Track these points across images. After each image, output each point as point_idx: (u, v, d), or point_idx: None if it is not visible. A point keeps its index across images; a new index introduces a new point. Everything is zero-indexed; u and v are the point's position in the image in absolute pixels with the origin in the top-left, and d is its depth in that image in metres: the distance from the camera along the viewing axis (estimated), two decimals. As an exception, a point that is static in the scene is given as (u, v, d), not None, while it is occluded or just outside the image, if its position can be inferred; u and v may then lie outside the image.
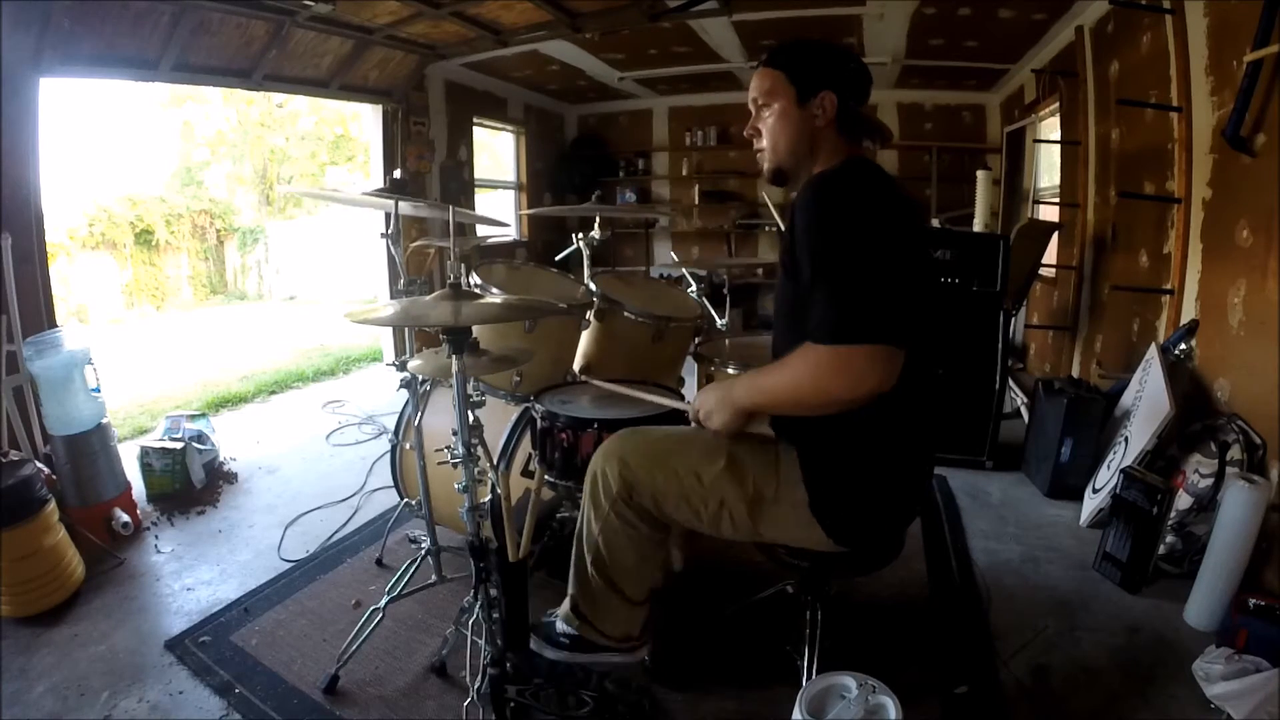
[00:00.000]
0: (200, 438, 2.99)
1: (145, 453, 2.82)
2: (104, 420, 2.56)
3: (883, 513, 1.34)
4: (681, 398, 1.75)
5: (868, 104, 1.33)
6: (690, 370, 2.27)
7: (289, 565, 2.33)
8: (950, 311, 3.09)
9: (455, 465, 1.45)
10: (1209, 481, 2.12)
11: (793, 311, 1.22)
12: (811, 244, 1.15)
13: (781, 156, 1.32)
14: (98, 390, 2.55)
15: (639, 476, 1.32)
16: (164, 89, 9.57)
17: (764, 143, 1.33)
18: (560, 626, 1.45)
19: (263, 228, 10.70)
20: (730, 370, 2.02)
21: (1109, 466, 2.56)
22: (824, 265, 1.13)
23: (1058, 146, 4.30)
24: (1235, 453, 2.09)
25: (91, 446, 2.48)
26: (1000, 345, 3.08)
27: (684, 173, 7.18)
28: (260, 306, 9.87)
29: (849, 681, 1.24)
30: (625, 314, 2.05)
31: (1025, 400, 3.65)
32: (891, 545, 1.44)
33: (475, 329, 1.46)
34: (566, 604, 1.45)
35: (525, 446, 1.86)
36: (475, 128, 5.87)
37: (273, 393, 4.65)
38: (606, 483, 1.35)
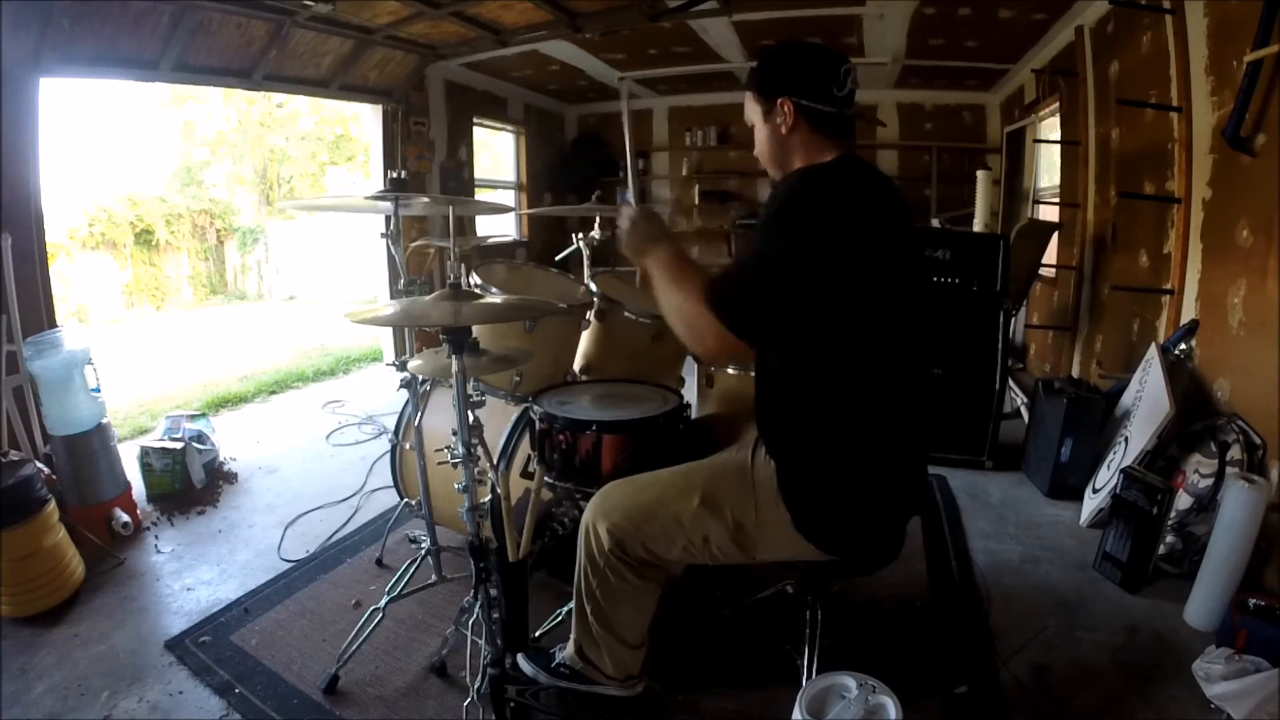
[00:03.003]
0: (200, 438, 2.99)
1: (145, 453, 2.82)
2: (104, 420, 2.56)
3: (871, 520, 1.34)
4: (681, 398, 1.75)
5: (842, 95, 1.26)
6: (690, 370, 2.27)
7: (289, 565, 2.33)
8: (950, 311, 3.09)
9: (455, 465, 1.45)
10: (1209, 481, 2.12)
11: None
12: (761, 222, 1.25)
13: (772, 170, 1.37)
14: (98, 390, 2.55)
15: (626, 531, 1.35)
16: (164, 89, 9.56)
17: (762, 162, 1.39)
18: (560, 658, 1.48)
19: (263, 228, 10.70)
20: (730, 370, 2.02)
21: (1109, 466, 2.56)
22: (753, 242, 1.23)
23: (1058, 146, 4.30)
24: (1235, 453, 2.09)
25: (91, 446, 2.48)
26: (1000, 345, 3.08)
27: (684, 173, 7.18)
28: (260, 306, 9.87)
29: (849, 681, 1.24)
30: (625, 314, 2.05)
31: (1025, 400, 3.65)
32: (888, 547, 1.43)
33: (475, 329, 1.46)
34: (571, 647, 1.47)
35: (525, 447, 1.86)
36: (475, 128, 5.87)
37: (273, 393, 4.65)
38: (599, 540, 1.37)
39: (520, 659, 1.46)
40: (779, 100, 1.27)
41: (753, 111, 1.33)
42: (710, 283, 1.19)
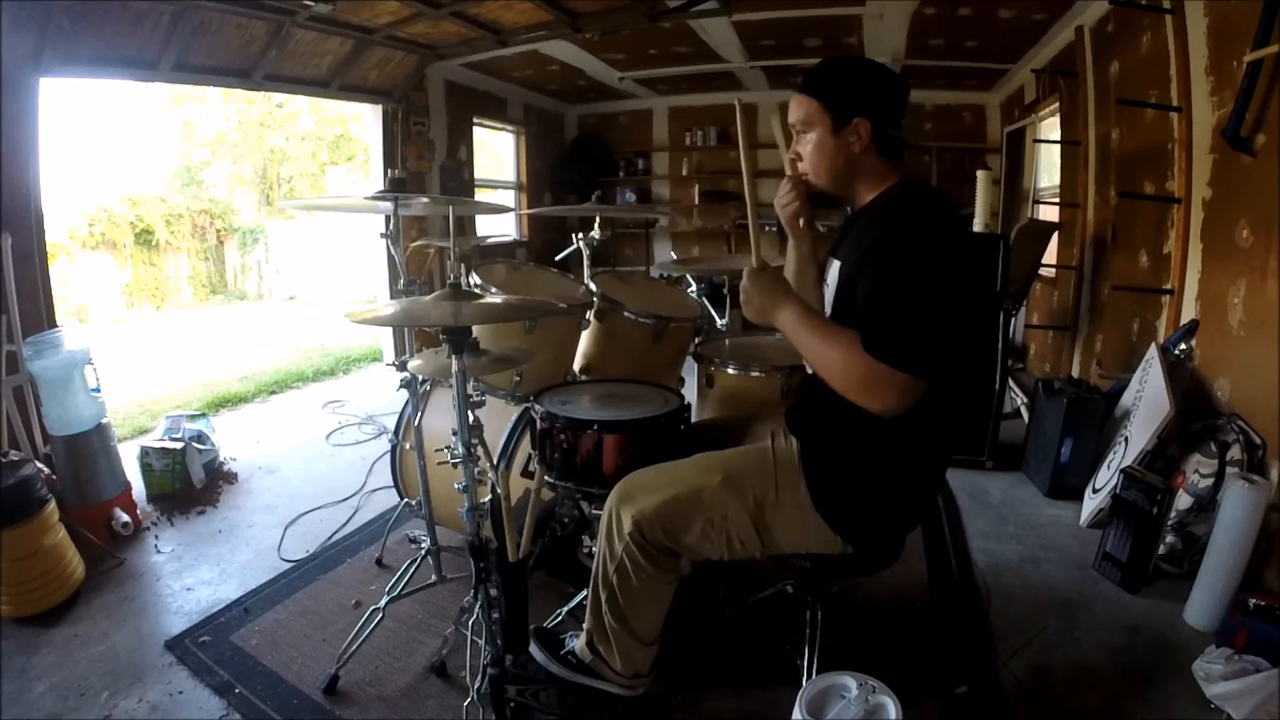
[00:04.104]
0: (200, 438, 2.99)
1: (145, 453, 2.82)
2: (104, 420, 2.56)
3: (887, 509, 1.35)
4: (682, 398, 1.76)
5: (904, 121, 1.30)
6: (690, 370, 2.26)
7: (289, 565, 2.33)
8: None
9: (455, 465, 1.46)
10: (1209, 481, 2.12)
11: (841, 316, 1.26)
12: (883, 256, 1.17)
13: (823, 182, 1.33)
14: (98, 390, 2.55)
15: (647, 514, 1.35)
16: (164, 89, 9.56)
17: (804, 167, 1.34)
18: (570, 646, 1.48)
19: (263, 228, 10.69)
20: (730, 370, 2.02)
21: (1109, 466, 2.56)
22: (890, 284, 1.14)
23: (1058, 146, 4.30)
24: (1235, 453, 2.09)
25: (91, 446, 2.48)
26: (1000, 345, 3.08)
27: (684, 173, 7.18)
28: (260, 306, 9.87)
29: (849, 681, 1.24)
30: (625, 314, 2.05)
31: (1025, 400, 3.65)
32: (893, 547, 1.44)
33: (475, 329, 1.46)
34: (583, 638, 1.47)
35: (525, 446, 1.86)
36: (475, 128, 5.87)
37: (273, 393, 4.65)
38: (620, 524, 1.37)
39: (531, 643, 1.46)
40: (855, 119, 1.26)
41: (815, 119, 1.29)
42: (864, 333, 1.13)
